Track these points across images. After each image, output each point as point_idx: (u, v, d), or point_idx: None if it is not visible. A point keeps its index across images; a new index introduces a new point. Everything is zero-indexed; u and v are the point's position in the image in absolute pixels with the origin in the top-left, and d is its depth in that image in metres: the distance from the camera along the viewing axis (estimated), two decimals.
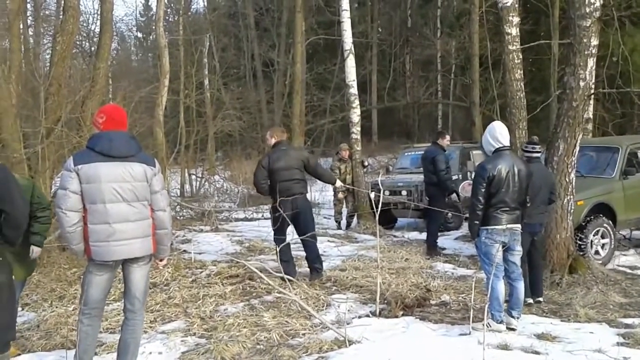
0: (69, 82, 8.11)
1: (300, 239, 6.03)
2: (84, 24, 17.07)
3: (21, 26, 10.26)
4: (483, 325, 4.17)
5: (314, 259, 6.10)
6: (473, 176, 4.56)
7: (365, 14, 23.90)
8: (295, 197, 5.93)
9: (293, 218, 5.98)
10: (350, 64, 10.64)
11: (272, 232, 6.24)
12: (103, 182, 3.23)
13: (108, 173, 3.24)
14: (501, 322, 4.44)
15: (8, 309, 3.24)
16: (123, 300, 3.56)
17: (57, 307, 5.19)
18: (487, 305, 4.28)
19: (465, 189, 9.36)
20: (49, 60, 16.58)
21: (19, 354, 4.05)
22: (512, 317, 4.52)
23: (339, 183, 6.77)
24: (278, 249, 5.88)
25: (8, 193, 3.09)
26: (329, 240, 8.74)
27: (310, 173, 6.33)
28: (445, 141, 8.04)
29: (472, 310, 4.44)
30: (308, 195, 14.18)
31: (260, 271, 5.04)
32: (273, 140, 6.21)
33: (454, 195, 8.41)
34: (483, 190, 4.32)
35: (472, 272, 6.50)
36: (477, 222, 4.38)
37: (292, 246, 6.18)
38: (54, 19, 18.38)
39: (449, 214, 9.04)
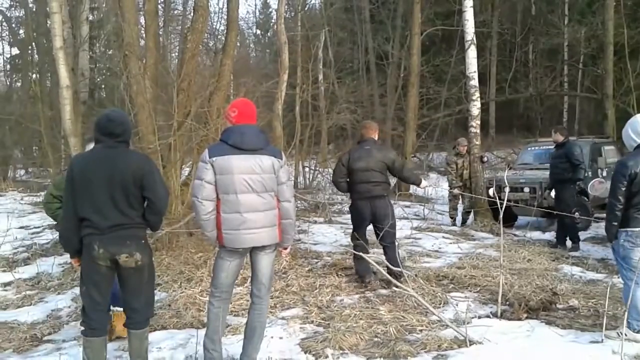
0: (198, 78, 8.57)
1: (380, 243, 5.78)
2: (209, 22, 18.00)
3: None
4: (618, 333, 3.87)
5: (393, 264, 5.55)
6: (613, 174, 4.19)
7: (485, 2, 22.90)
8: (374, 200, 5.66)
9: (372, 221, 5.75)
10: (472, 55, 10.26)
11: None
12: (235, 173, 3.37)
13: (239, 165, 3.38)
14: (639, 331, 4.08)
15: (150, 288, 3.49)
16: (250, 286, 3.71)
17: (185, 289, 5.52)
18: (624, 313, 3.95)
19: (595, 187, 8.71)
20: (176, 57, 17.78)
21: (155, 330, 4.38)
22: None
23: (424, 183, 6.24)
24: (353, 248, 5.80)
25: (153, 182, 3.30)
26: (443, 237, 8.55)
27: (395, 175, 6.07)
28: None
29: (605, 317, 4.12)
30: (420, 190, 14.03)
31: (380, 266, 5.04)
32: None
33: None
34: (623, 189, 3.97)
35: (602, 276, 6.05)
36: (615, 223, 4.05)
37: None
38: (181, 18, 19.66)
39: (576, 214, 8.46)
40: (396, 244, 5.78)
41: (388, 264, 5.43)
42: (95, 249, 3.18)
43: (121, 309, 3.72)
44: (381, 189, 5.71)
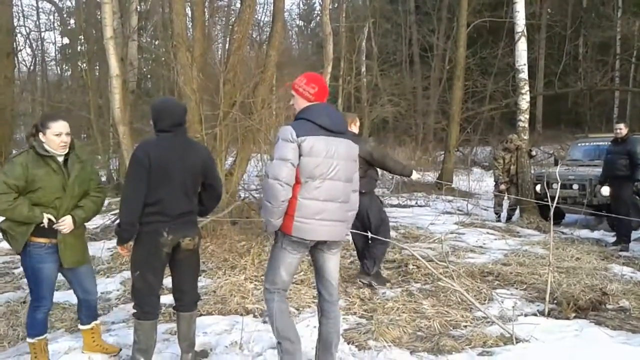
0: (243, 68, 8.63)
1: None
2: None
3: None
4: None
5: (369, 256, 5.34)
6: None
7: None
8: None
9: (359, 221, 5.17)
10: (522, 47, 10.02)
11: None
12: (324, 157, 3.06)
13: (329, 148, 3.07)
14: None
15: (197, 271, 3.56)
16: (318, 291, 3.37)
17: (230, 276, 5.60)
18: None
19: None
20: (220, 47, 17.94)
21: (201, 315, 4.46)
22: None
23: (415, 175, 5.62)
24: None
25: (215, 170, 3.39)
26: (488, 233, 8.41)
27: (379, 167, 5.49)
28: None
29: None
30: (463, 185, 13.80)
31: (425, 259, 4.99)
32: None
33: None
34: None
35: None
36: None
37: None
38: (226, 9, 19.83)
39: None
40: (385, 244, 5.32)
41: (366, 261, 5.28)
42: (164, 235, 3.22)
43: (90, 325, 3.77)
44: (360, 185, 5.33)
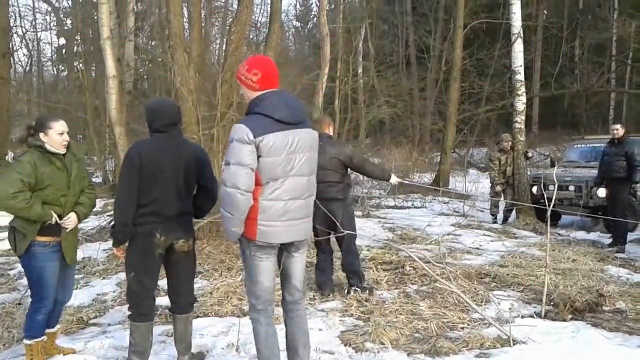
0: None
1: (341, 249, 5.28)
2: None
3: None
4: None
5: (349, 273, 5.23)
6: None
7: None
8: (328, 202, 4.88)
9: (328, 226, 5.00)
10: (518, 49, 10.04)
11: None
12: (286, 154, 2.82)
13: (291, 144, 2.84)
14: None
15: (193, 273, 3.56)
16: (282, 291, 3.20)
17: (227, 278, 5.61)
18: None
19: None
20: (218, 48, 17.93)
21: (197, 317, 4.45)
22: None
23: (394, 179, 5.43)
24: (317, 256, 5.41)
25: (211, 172, 3.40)
26: (485, 234, 8.41)
27: (358, 172, 5.44)
28: None
29: None
30: (460, 187, 13.81)
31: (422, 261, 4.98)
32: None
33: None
34: None
35: None
36: None
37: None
38: (224, 10, 19.84)
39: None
40: (356, 251, 5.29)
41: (347, 273, 5.22)
42: (157, 236, 3.21)
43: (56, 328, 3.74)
44: (336, 191, 5.04)
